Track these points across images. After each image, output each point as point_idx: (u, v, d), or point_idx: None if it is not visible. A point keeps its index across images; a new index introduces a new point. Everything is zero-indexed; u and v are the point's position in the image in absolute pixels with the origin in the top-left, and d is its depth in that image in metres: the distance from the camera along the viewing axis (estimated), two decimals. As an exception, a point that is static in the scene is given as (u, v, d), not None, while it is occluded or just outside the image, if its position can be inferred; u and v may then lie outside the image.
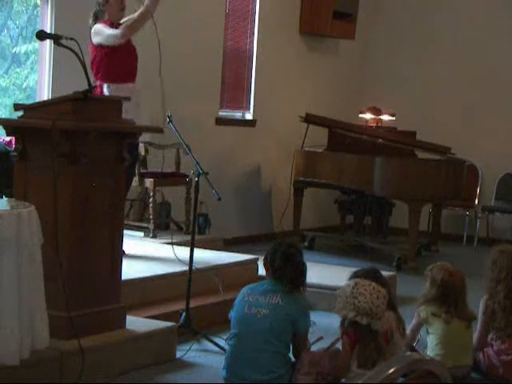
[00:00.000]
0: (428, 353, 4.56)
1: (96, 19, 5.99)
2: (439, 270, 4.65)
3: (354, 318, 4.01)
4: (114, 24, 5.95)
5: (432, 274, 4.65)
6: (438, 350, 4.56)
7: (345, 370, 4.14)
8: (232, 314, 4.36)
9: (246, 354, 4.20)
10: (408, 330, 4.71)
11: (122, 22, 5.99)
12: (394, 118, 10.22)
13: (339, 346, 4.30)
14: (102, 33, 5.88)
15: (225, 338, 5.10)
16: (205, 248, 6.62)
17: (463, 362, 4.59)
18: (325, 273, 6.97)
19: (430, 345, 4.62)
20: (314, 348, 4.34)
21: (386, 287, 4.29)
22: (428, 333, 4.66)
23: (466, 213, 10.25)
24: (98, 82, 5.88)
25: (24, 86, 7.32)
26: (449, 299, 4.57)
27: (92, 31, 5.93)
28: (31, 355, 3.79)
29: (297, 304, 4.27)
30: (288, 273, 4.27)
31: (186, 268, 5.30)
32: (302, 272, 4.33)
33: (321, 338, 4.38)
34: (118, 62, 5.91)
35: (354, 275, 4.46)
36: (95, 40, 5.91)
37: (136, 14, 5.95)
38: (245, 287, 4.41)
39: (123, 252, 6.14)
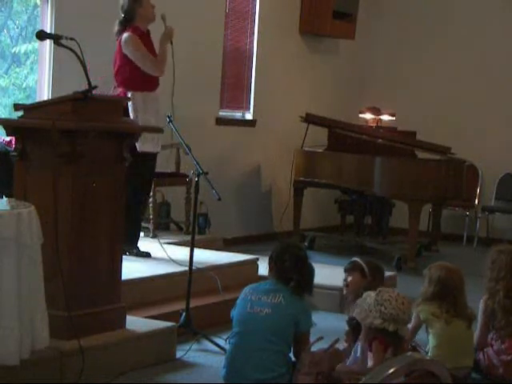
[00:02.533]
0: (428, 353, 4.55)
1: (124, 26, 5.98)
2: (437, 268, 4.65)
3: (381, 325, 3.97)
4: (144, 32, 6.01)
5: (430, 273, 4.65)
6: (438, 350, 4.54)
7: (348, 351, 4.17)
8: (234, 313, 4.36)
9: (248, 352, 4.20)
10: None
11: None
12: (394, 118, 10.23)
13: (339, 346, 4.31)
14: (138, 50, 5.91)
15: (225, 337, 5.11)
16: (205, 248, 6.62)
17: (464, 363, 4.57)
18: (325, 273, 6.96)
19: (431, 345, 4.61)
20: (313, 348, 4.34)
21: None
22: (428, 333, 4.65)
23: (466, 213, 10.25)
24: (119, 90, 5.91)
25: (23, 86, 7.32)
26: (448, 297, 4.56)
27: (124, 40, 5.92)
28: (31, 355, 3.79)
29: (299, 303, 4.29)
30: (297, 276, 4.28)
31: (185, 268, 5.30)
32: (310, 277, 4.35)
33: (321, 339, 4.37)
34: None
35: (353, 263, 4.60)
36: (127, 51, 5.93)
37: (160, 49, 6.06)
38: (247, 286, 4.42)
39: (149, 254, 6.12)
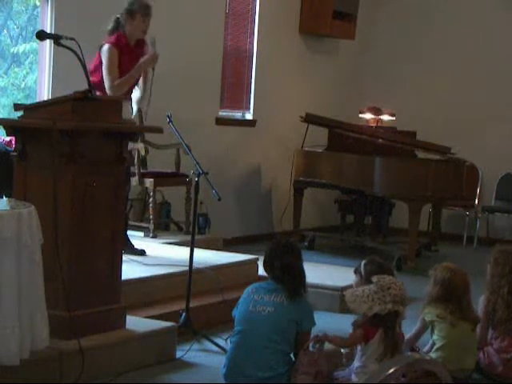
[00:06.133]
0: (431, 354, 4.55)
1: (117, 28, 5.89)
2: (443, 269, 4.67)
3: (393, 308, 4.01)
4: (129, 43, 5.87)
5: (435, 274, 4.67)
6: (442, 352, 4.54)
7: (349, 356, 4.22)
8: (236, 312, 4.37)
9: (249, 350, 4.21)
10: (412, 333, 4.69)
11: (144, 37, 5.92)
12: (394, 118, 10.22)
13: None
14: (107, 64, 5.74)
15: (225, 337, 5.11)
16: (205, 248, 6.62)
17: (466, 365, 4.58)
18: (325, 273, 6.97)
19: (434, 346, 4.61)
20: (311, 348, 4.33)
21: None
22: (433, 334, 4.64)
23: (466, 213, 10.24)
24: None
25: (22, 86, 7.32)
26: (452, 299, 4.56)
27: (103, 49, 5.79)
28: (31, 355, 3.79)
29: (301, 303, 4.31)
30: (287, 283, 4.30)
31: (185, 268, 5.30)
32: (302, 281, 4.35)
33: (316, 337, 4.37)
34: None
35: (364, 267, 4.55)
36: (103, 60, 5.78)
37: (132, 70, 5.81)
38: (250, 286, 4.44)
39: (144, 252, 6.11)
